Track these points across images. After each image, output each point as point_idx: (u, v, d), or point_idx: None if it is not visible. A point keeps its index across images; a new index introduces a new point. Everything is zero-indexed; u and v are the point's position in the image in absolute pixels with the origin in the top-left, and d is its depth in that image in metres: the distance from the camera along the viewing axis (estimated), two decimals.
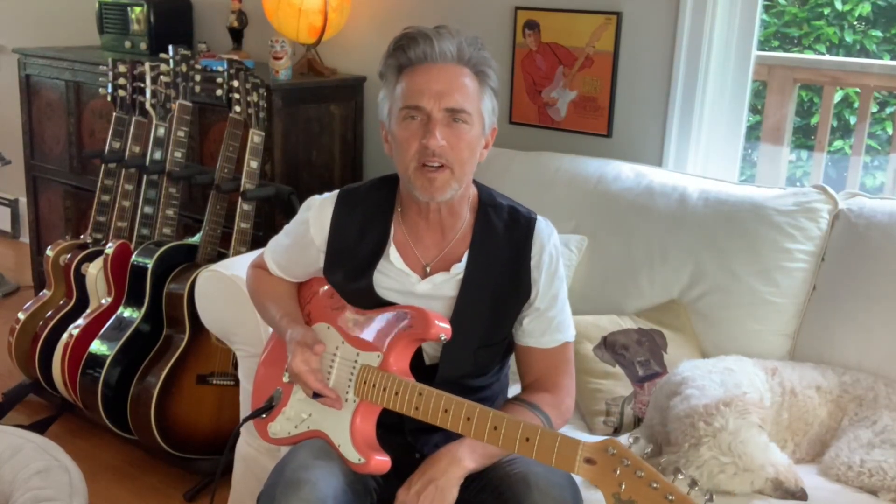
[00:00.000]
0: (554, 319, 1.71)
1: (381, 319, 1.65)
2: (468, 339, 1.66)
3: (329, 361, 1.68)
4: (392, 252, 1.69)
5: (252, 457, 2.26)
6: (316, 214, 1.75)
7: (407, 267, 1.69)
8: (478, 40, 1.62)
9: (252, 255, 2.12)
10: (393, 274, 1.70)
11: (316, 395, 1.64)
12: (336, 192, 1.77)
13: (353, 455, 1.59)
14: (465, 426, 1.48)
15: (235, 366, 2.51)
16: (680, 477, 1.30)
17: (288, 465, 1.58)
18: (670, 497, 1.27)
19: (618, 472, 1.32)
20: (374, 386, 1.58)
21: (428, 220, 1.69)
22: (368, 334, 1.65)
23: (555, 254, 1.71)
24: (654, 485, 1.29)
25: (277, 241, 1.87)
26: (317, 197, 1.79)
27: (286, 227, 1.86)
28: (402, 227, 1.71)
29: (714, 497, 1.29)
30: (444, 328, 1.58)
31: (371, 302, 1.70)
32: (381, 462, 1.59)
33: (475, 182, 1.73)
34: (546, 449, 1.40)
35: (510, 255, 1.69)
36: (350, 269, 1.72)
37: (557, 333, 1.71)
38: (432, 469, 1.56)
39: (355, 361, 1.64)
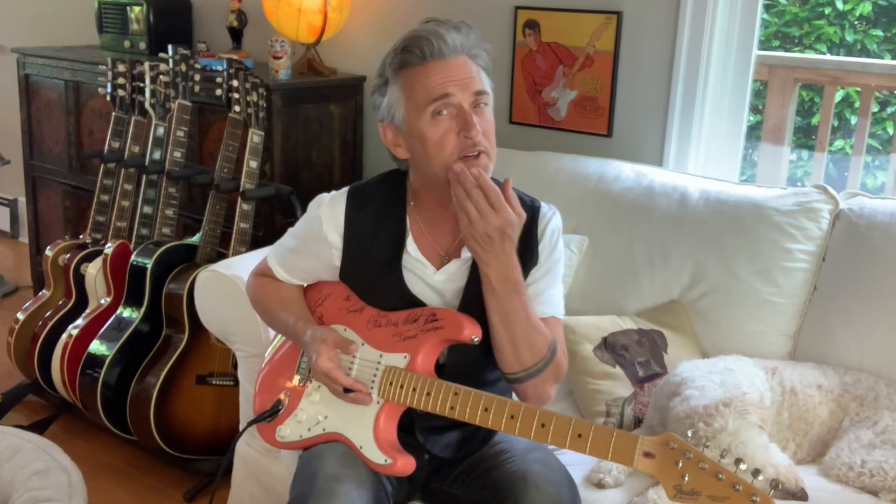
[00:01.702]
0: (544, 292, 1.69)
1: (407, 321, 1.64)
2: (479, 322, 1.64)
3: (347, 364, 1.67)
4: (409, 243, 1.69)
5: (252, 457, 2.25)
6: (328, 211, 1.72)
7: (423, 257, 1.69)
8: (468, 24, 1.63)
9: (252, 256, 2.11)
10: (410, 265, 1.69)
11: (346, 391, 1.63)
12: (345, 189, 1.75)
13: (378, 456, 1.58)
14: (508, 424, 1.48)
15: (235, 366, 2.51)
16: (742, 467, 1.32)
17: (317, 474, 1.56)
18: (738, 487, 1.29)
19: (680, 464, 1.33)
20: (401, 387, 1.58)
21: (447, 208, 1.65)
22: (392, 336, 1.65)
23: (557, 232, 1.71)
24: (720, 476, 1.30)
25: (282, 245, 1.84)
26: (325, 195, 1.77)
27: (291, 230, 1.83)
28: (417, 219, 1.70)
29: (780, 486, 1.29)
30: (476, 329, 1.58)
31: (400, 296, 1.68)
32: (407, 463, 1.59)
33: None
34: (601, 445, 1.40)
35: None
36: (373, 265, 1.70)
37: (542, 306, 1.68)
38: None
39: (378, 363, 1.63)
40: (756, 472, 1.30)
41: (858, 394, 1.97)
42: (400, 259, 1.69)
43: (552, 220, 1.72)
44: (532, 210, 1.71)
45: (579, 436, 1.42)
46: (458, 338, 1.59)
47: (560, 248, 1.73)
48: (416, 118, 1.58)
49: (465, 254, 1.67)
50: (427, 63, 1.56)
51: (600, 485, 1.79)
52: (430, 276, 1.69)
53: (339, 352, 1.64)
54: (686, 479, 1.32)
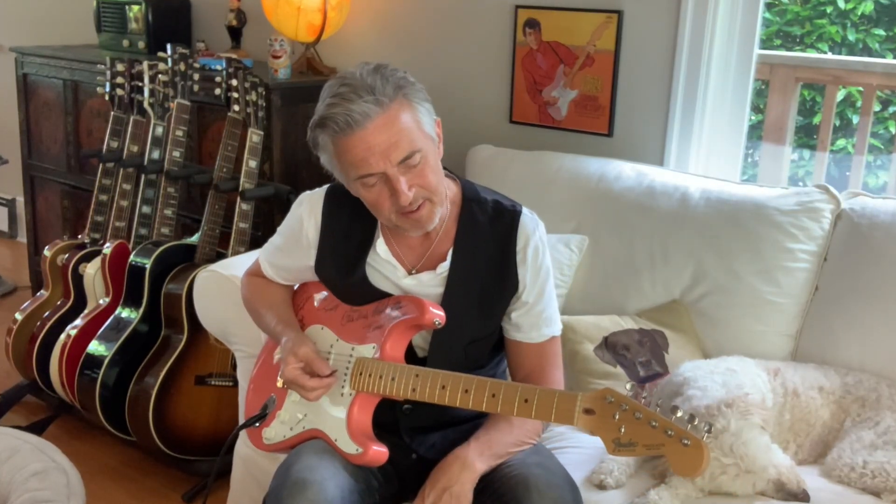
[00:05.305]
0: (542, 314, 1.71)
1: (375, 312, 1.68)
2: (457, 335, 1.67)
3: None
4: (380, 244, 1.71)
5: (251, 458, 2.25)
6: (308, 209, 1.76)
7: (393, 258, 1.70)
8: (382, 67, 1.55)
9: (251, 255, 2.12)
10: (379, 265, 1.71)
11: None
12: (325, 187, 1.78)
13: (350, 447, 1.59)
14: (463, 399, 1.51)
15: (234, 366, 2.50)
16: (679, 414, 1.34)
17: (293, 467, 1.57)
18: (670, 432, 1.31)
19: (617, 416, 1.36)
20: (370, 375, 1.61)
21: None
22: (363, 328, 1.68)
23: (540, 247, 1.70)
24: (654, 423, 1.33)
25: (271, 242, 1.88)
26: (307, 192, 1.80)
27: (279, 228, 1.87)
28: (387, 226, 1.71)
29: (711, 429, 1.33)
30: (438, 314, 1.60)
31: (366, 294, 1.71)
32: (379, 452, 1.59)
33: (457, 178, 1.73)
34: (545, 406, 1.44)
35: (495, 250, 1.69)
36: (342, 263, 1.73)
37: (545, 328, 1.72)
38: (444, 477, 1.56)
39: (350, 356, 1.66)
40: (691, 419, 1.32)
41: (860, 395, 1.97)
42: (365, 258, 1.71)
43: (533, 236, 1.69)
44: (512, 216, 1.69)
45: (525, 401, 1.46)
46: (422, 322, 1.60)
47: (547, 263, 1.72)
48: (349, 181, 1.59)
49: (441, 269, 1.68)
50: (347, 134, 1.51)
51: (601, 486, 1.78)
52: (400, 279, 1.70)
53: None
54: (623, 430, 1.35)
